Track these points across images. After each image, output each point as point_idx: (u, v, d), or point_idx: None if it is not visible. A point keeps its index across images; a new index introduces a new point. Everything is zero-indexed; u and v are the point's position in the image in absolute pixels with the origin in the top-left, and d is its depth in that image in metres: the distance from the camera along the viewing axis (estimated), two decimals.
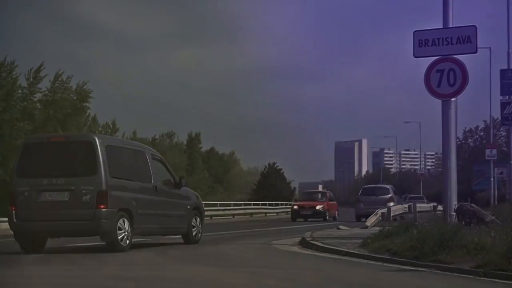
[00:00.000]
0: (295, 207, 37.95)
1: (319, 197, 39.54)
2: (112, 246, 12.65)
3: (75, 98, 42.85)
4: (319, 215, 36.20)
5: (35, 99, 42.84)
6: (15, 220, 12.71)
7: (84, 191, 12.41)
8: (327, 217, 36.29)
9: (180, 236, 15.20)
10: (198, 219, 15.32)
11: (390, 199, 32.05)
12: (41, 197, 12.61)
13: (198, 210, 15.47)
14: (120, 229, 12.63)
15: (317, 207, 36.74)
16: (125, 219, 12.79)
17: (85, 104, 43.31)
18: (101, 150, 12.54)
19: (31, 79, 42.08)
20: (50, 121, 41.65)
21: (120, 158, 13.30)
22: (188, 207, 15.11)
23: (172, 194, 14.61)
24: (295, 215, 36.93)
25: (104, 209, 12.35)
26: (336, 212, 38.91)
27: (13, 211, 12.71)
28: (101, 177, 12.42)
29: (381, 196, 32.92)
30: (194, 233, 15.07)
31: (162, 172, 14.60)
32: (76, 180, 12.55)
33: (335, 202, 40.17)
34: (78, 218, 12.49)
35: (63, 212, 12.48)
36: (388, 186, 37.58)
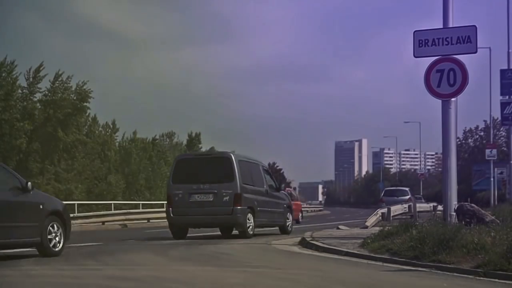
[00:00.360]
0: None
1: None
2: (243, 234, 16.94)
3: (75, 98, 42.83)
4: None
5: (35, 99, 42.87)
6: (172, 215, 17.28)
7: (224, 194, 16.77)
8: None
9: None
10: (290, 215, 19.70)
11: (409, 200, 35.30)
12: (192, 198, 17.05)
13: (290, 208, 19.79)
14: (248, 221, 16.99)
15: None
16: (250, 214, 17.16)
17: (85, 104, 43.28)
18: (236, 163, 16.97)
19: (31, 79, 42.10)
20: (50, 121, 41.65)
21: (246, 169, 17.52)
22: (285, 205, 19.50)
23: (275, 196, 19.00)
24: None
25: (239, 207, 16.73)
26: (300, 214, 34.62)
27: (170, 209, 17.30)
28: (237, 184, 16.77)
29: (401, 197, 36.50)
30: (288, 225, 19.29)
31: (268, 179, 18.99)
32: (218, 185, 16.89)
33: (299, 202, 37.01)
34: (220, 214, 16.81)
35: (209, 209, 16.80)
36: (406, 189, 41.44)
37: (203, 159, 18.51)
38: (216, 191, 16.76)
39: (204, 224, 17.69)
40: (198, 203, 16.93)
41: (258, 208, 17.53)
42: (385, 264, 10.46)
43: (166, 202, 18.34)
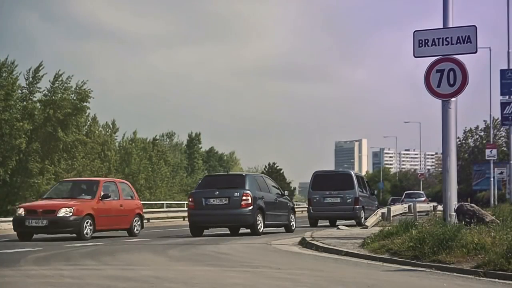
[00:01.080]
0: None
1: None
2: (359, 223, 24.25)
3: (74, 98, 42.83)
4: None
5: (35, 99, 42.87)
6: (312, 212, 25.77)
7: (348, 197, 25.25)
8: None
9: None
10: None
11: (425, 201, 46.57)
12: (325, 200, 25.57)
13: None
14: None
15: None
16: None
17: (85, 104, 43.27)
18: (354, 177, 26.00)
19: (30, 79, 42.10)
20: (50, 121, 41.65)
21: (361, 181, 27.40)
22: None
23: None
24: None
25: (357, 206, 25.19)
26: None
27: (310, 207, 25.80)
28: (355, 191, 25.35)
29: (418, 198, 46.59)
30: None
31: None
32: (346, 192, 25.35)
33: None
34: (345, 210, 25.21)
35: (339, 207, 25.15)
36: (422, 192, 56.74)
37: (333, 174, 28.70)
38: (343, 196, 25.32)
39: (333, 217, 26.14)
40: (331, 204, 25.41)
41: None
42: (385, 264, 10.46)
43: (306, 203, 28.30)
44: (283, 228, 21.01)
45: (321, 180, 26.12)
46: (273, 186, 21.29)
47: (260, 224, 19.13)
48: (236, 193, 18.83)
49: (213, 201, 18.93)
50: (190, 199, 19.56)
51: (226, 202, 18.84)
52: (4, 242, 17.24)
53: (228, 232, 20.60)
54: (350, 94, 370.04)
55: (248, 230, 19.38)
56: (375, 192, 29.58)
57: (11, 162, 39.91)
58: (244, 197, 18.75)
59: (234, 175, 21.97)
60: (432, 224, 11.64)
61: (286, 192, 21.89)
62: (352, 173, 27.08)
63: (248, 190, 18.91)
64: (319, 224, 25.96)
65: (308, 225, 25.61)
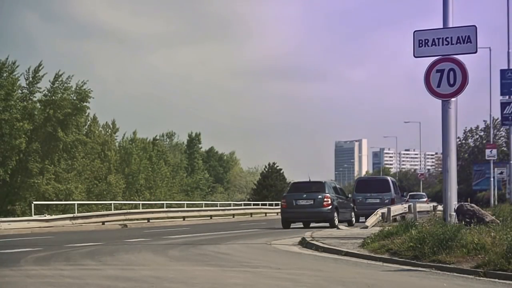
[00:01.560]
0: None
1: None
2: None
3: (74, 98, 42.83)
4: None
5: (35, 99, 42.89)
6: (356, 210, 27.97)
7: (385, 198, 30.52)
8: None
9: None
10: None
11: (427, 201, 50.21)
12: (367, 200, 30.69)
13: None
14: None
15: None
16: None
17: (85, 104, 43.28)
18: (391, 182, 32.18)
19: (30, 79, 42.11)
20: (50, 121, 41.65)
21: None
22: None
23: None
24: None
25: (392, 205, 27.55)
26: None
27: (354, 207, 27.80)
28: (391, 193, 31.08)
29: (421, 199, 51.86)
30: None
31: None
32: (382, 194, 30.99)
33: None
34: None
35: (377, 207, 25.74)
36: (424, 193, 62.44)
37: (375, 180, 34.94)
38: (381, 197, 30.98)
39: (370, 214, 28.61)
40: (372, 204, 29.77)
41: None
42: (385, 264, 10.46)
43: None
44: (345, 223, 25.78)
45: (363, 184, 32.71)
46: (341, 190, 27.38)
47: (336, 219, 24.33)
48: (319, 196, 24.42)
49: (301, 202, 24.51)
50: (283, 200, 25.17)
51: (312, 202, 24.42)
52: (4, 242, 17.24)
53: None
54: (350, 94, 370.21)
55: (326, 224, 24.34)
56: (404, 193, 39.26)
57: (11, 162, 39.93)
58: (325, 199, 24.34)
59: (316, 182, 25.99)
60: (432, 224, 11.64)
61: (350, 195, 28.31)
62: (389, 179, 33.77)
63: (327, 193, 24.53)
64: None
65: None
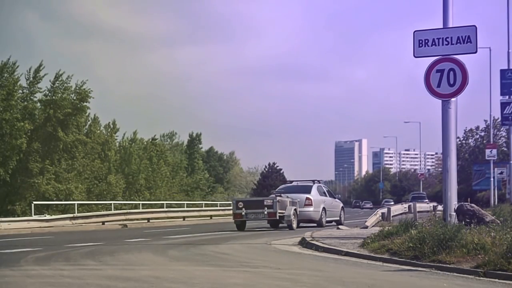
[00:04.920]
0: None
1: None
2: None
3: (74, 98, 42.81)
4: None
5: (35, 99, 42.88)
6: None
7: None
8: None
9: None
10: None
11: (428, 202, 50.94)
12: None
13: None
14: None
15: None
16: None
17: (85, 104, 43.25)
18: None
19: (31, 79, 42.09)
20: (50, 121, 41.63)
21: None
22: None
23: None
24: None
25: None
26: None
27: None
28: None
29: (423, 200, 53.80)
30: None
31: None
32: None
33: None
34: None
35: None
36: (424, 194, 65.19)
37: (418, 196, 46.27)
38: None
39: None
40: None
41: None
42: (385, 264, 10.46)
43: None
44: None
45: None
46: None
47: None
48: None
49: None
50: None
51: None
52: (4, 242, 17.24)
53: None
54: (350, 94, 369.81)
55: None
56: (337, 196, 37.57)
57: (11, 162, 39.91)
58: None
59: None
60: (432, 224, 11.64)
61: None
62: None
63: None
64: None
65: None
